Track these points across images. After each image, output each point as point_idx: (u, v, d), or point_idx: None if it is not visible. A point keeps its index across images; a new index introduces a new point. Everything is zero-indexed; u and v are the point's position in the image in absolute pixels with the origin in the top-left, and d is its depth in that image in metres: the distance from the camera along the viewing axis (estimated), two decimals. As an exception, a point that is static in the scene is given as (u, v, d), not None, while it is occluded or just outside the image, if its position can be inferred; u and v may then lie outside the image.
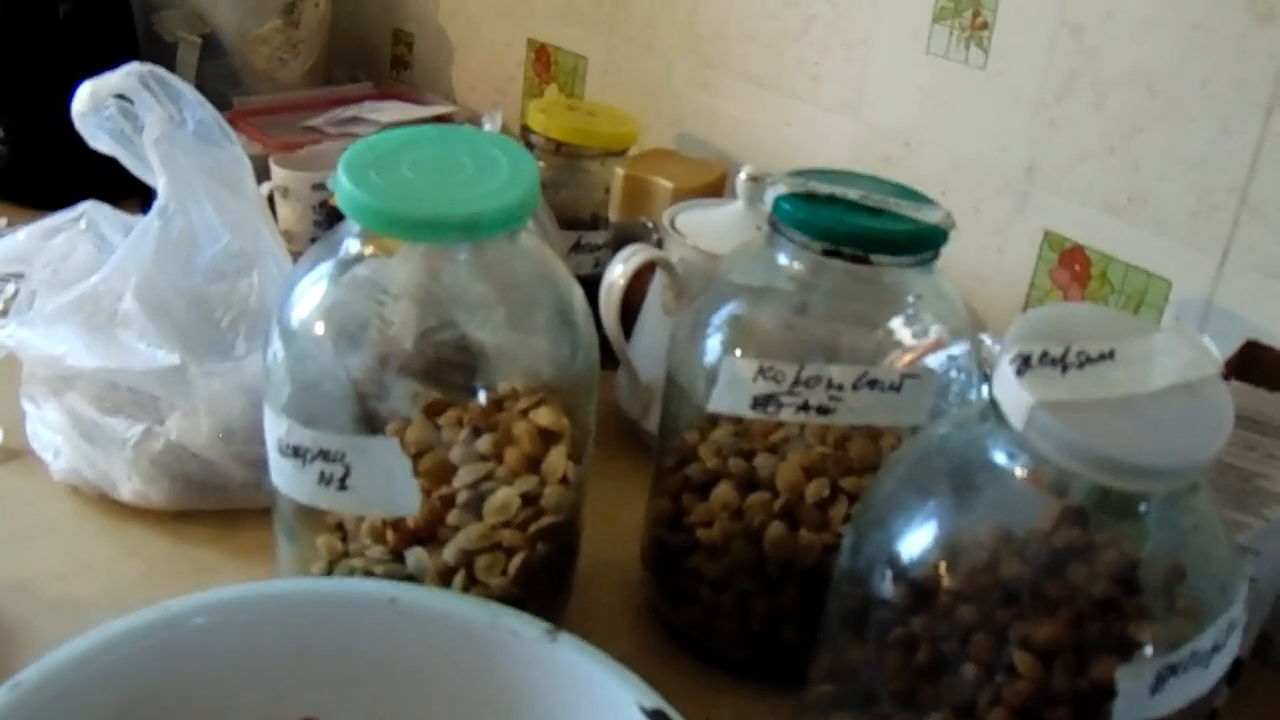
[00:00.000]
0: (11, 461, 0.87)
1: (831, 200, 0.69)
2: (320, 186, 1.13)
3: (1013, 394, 0.51)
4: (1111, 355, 0.53)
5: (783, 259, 0.71)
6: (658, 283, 0.93)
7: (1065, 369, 0.52)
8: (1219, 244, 0.86)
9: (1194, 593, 0.55)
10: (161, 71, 0.82)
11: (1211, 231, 0.87)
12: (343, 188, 0.62)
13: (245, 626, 0.62)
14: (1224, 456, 0.69)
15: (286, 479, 0.66)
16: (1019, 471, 0.53)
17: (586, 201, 1.06)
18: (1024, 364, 0.51)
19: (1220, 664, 0.53)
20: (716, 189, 1.08)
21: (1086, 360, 0.52)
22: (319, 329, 0.67)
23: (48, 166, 1.23)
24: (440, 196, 0.62)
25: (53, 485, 0.84)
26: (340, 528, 0.71)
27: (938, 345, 0.72)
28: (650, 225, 1.03)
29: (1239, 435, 0.70)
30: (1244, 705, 0.78)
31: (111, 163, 0.84)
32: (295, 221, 1.14)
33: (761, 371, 0.67)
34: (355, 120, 1.28)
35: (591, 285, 0.82)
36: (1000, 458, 0.54)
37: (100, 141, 0.83)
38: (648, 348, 0.92)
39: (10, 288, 1.07)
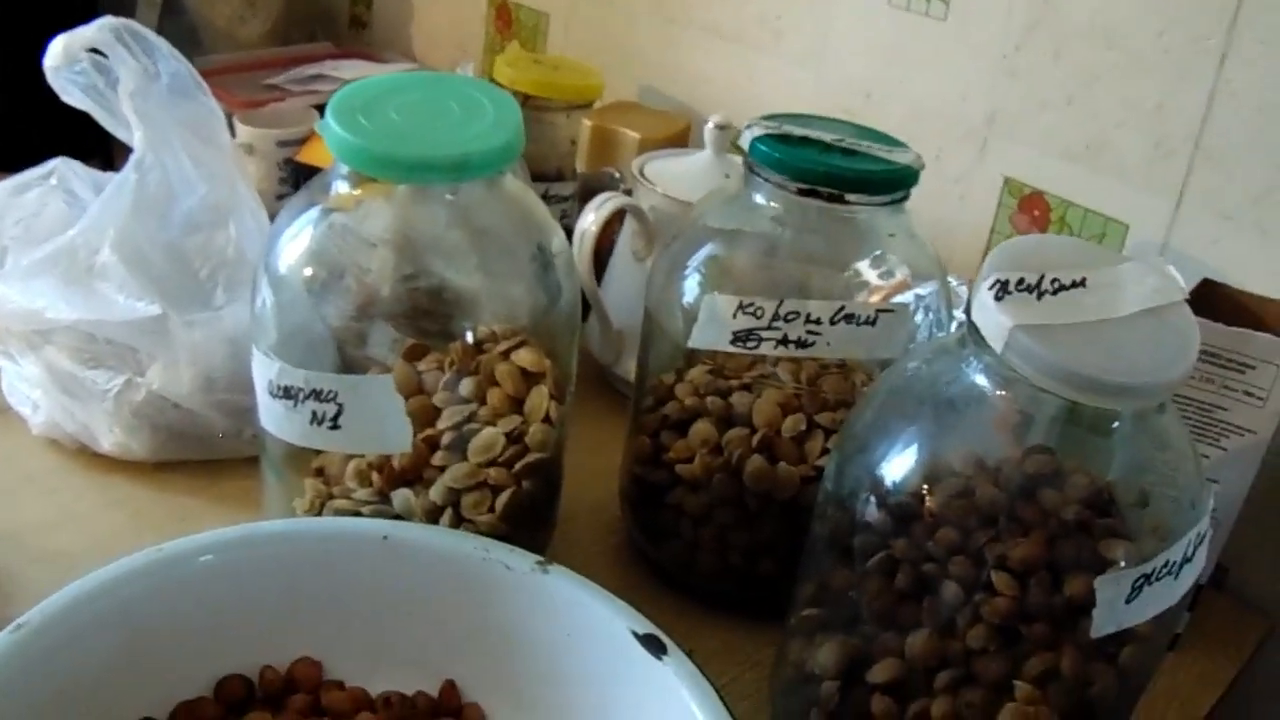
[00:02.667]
0: (-12, 417, 0.87)
1: (806, 142, 0.71)
2: (285, 143, 1.14)
3: (992, 318, 0.53)
4: (1083, 283, 0.55)
5: (759, 199, 0.72)
6: (627, 230, 0.94)
7: (1040, 295, 0.54)
8: (1174, 188, 0.89)
9: (1162, 510, 0.57)
10: (135, 25, 0.82)
11: (1167, 176, 0.89)
12: (331, 131, 0.62)
13: (242, 566, 0.63)
14: (1185, 389, 0.72)
15: (278, 420, 0.66)
16: (998, 393, 0.55)
17: (552, 155, 1.06)
18: (1002, 290, 0.53)
19: (1190, 575, 0.55)
20: (681, 140, 1.09)
21: (1060, 287, 0.54)
22: (305, 275, 0.67)
23: (5, 126, 1.23)
24: (428, 139, 0.63)
25: (32, 439, 0.84)
26: (321, 472, 0.72)
27: (903, 286, 0.74)
28: (617, 175, 1.04)
29: (1198, 368, 0.72)
30: (1202, 630, 0.81)
31: (71, 121, 0.84)
32: (261, 179, 1.14)
33: (741, 307, 0.69)
34: (318, 78, 1.28)
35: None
36: (979, 380, 0.56)
37: (73, 96, 0.82)
38: (618, 294, 0.94)
39: (-25, 247, 1.07)
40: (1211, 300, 0.77)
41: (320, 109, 1.18)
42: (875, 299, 0.73)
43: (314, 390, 0.64)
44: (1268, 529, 0.84)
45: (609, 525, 0.84)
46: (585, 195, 0.93)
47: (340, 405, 0.64)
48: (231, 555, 0.63)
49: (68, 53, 0.81)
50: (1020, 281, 0.54)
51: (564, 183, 1.06)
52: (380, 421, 0.65)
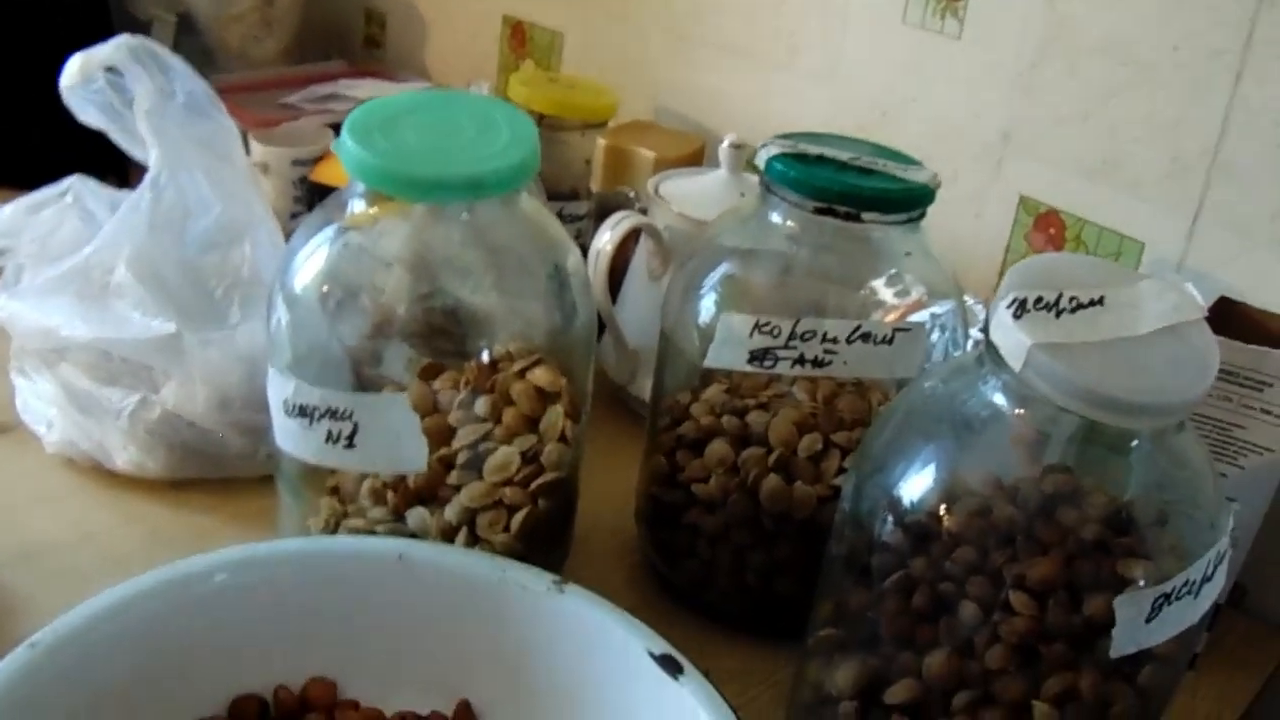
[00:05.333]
0: (2, 436, 0.87)
1: (822, 161, 0.71)
2: (300, 162, 1.14)
3: (1010, 336, 0.53)
4: (1101, 301, 0.55)
5: (775, 218, 0.72)
6: (642, 249, 0.94)
7: (1059, 314, 0.54)
8: (1191, 205, 0.88)
9: (1181, 529, 0.57)
10: (151, 43, 0.83)
11: (1183, 193, 0.89)
12: (348, 150, 0.62)
13: (256, 585, 0.62)
14: (1202, 407, 0.71)
15: (293, 439, 0.66)
16: (1016, 411, 0.55)
17: (567, 174, 1.07)
18: (1020, 308, 0.53)
19: (1209, 594, 0.55)
20: (696, 159, 1.09)
21: (1079, 306, 0.54)
22: (320, 294, 0.67)
23: (21, 144, 1.23)
24: (444, 158, 0.63)
25: (46, 458, 0.84)
26: (337, 491, 0.72)
27: (918, 305, 0.73)
28: (632, 195, 1.04)
29: (1216, 387, 0.72)
30: (1220, 650, 0.81)
31: (87, 140, 0.84)
32: (276, 197, 1.14)
33: (758, 326, 0.68)
34: (332, 97, 1.29)
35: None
36: (998, 399, 0.56)
37: (89, 115, 0.83)
38: (633, 314, 0.94)
39: (-9, 264, 1.07)
40: (1228, 318, 0.77)
41: (335, 128, 1.19)
42: (891, 318, 0.73)
43: (329, 409, 0.64)
44: (1287, 548, 0.84)
45: (625, 545, 0.84)
46: (600, 214, 0.93)
47: (356, 424, 0.64)
48: (246, 574, 0.62)
49: (84, 71, 0.82)
50: (1039, 300, 0.54)
51: (579, 202, 1.06)
52: (396, 440, 0.65)
